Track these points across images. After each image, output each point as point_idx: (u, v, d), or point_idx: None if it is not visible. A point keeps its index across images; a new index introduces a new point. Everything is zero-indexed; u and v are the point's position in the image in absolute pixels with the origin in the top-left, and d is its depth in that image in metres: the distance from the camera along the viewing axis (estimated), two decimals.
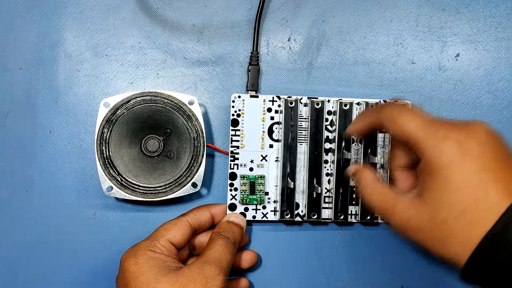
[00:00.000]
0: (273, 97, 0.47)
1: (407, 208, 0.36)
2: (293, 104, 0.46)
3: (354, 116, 0.47)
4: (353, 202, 0.47)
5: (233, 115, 0.46)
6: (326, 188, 0.47)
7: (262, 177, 0.47)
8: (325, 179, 0.47)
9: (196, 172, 0.45)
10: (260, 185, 0.47)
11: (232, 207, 0.47)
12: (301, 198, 0.47)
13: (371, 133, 0.44)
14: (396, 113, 0.37)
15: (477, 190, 0.33)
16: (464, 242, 0.33)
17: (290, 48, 0.49)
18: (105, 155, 0.45)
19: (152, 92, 0.45)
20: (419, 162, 0.36)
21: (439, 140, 0.34)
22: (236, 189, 0.47)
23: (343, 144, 0.46)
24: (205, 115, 0.49)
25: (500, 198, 0.32)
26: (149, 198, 0.45)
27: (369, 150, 0.46)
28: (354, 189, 0.44)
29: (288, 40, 0.49)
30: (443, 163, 0.34)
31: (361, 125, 0.42)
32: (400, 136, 0.36)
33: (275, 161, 0.47)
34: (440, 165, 0.34)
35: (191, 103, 0.45)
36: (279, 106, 0.47)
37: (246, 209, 0.47)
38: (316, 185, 0.46)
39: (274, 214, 0.47)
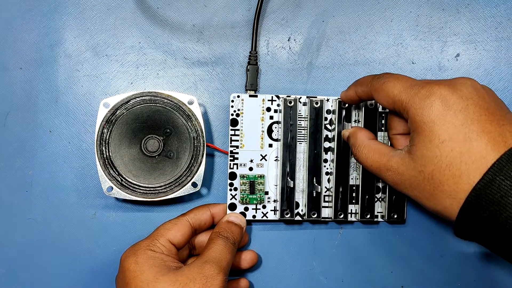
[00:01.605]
0: (272, 97, 0.47)
1: (399, 164, 0.37)
2: (292, 104, 0.46)
3: (353, 115, 0.47)
4: (353, 201, 0.47)
5: (232, 115, 0.46)
6: (325, 187, 0.47)
7: (261, 176, 0.47)
8: (324, 178, 0.47)
9: (196, 172, 0.45)
10: (260, 185, 0.47)
11: (232, 206, 0.47)
12: (301, 197, 0.47)
13: (362, 101, 0.44)
14: (382, 82, 0.38)
15: (461, 144, 0.33)
16: (451, 195, 0.33)
17: (290, 48, 0.49)
18: (105, 156, 0.45)
19: (151, 92, 0.45)
20: None
21: (422, 98, 0.35)
22: (236, 189, 0.47)
23: (342, 139, 0.46)
24: (205, 115, 0.49)
25: (485, 151, 0.33)
26: (149, 198, 0.45)
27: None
28: (351, 152, 0.44)
29: (288, 40, 0.49)
30: (426, 119, 0.34)
31: (352, 94, 0.43)
32: (387, 104, 0.38)
33: (275, 160, 0.47)
34: (423, 121, 0.35)
35: (190, 103, 0.45)
36: (278, 105, 0.47)
37: (246, 209, 0.47)
38: (316, 184, 0.46)
39: (274, 214, 0.47)
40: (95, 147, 0.44)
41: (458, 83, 0.35)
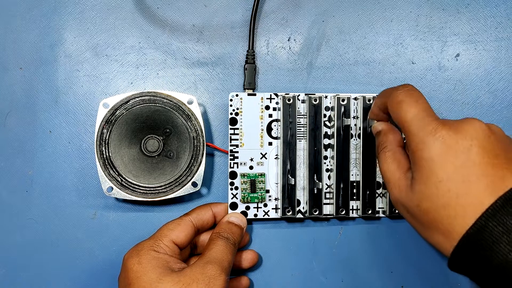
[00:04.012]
0: (270, 95, 0.47)
1: (404, 189, 0.36)
2: (291, 101, 0.46)
3: (352, 111, 0.47)
4: (354, 197, 0.47)
5: (231, 114, 0.46)
6: (326, 184, 0.47)
7: (262, 175, 0.47)
8: (325, 174, 0.47)
9: (196, 171, 0.45)
10: (260, 183, 0.47)
11: (233, 206, 0.47)
12: (302, 195, 0.47)
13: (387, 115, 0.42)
14: (400, 99, 0.37)
15: (459, 185, 0.33)
16: (445, 234, 0.33)
17: (290, 48, 0.49)
18: (105, 156, 0.45)
19: (151, 92, 0.45)
20: None
21: (426, 134, 0.34)
22: (236, 188, 0.47)
23: (342, 134, 0.46)
24: (205, 115, 0.49)
25: (483, 195, 0.32)
26: (149, 198, 0.45)
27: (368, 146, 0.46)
28: (376, 148, 0.42)
29: (288, 40, 0.49)
30: (426, 156, 0.34)
31: (375, 110, 0.42)
32: (398, 123, 0.37)
33: (275, 158, 0.47)
34: (423, 157, 0.34)
35: (190, 102, 0.45)
36: (277, 103, 0.47)
37: (248, 208, 0.47)
38: (317, 181, 0.47)
39: (276, 212, 0.47)
40: (95, 148, 0.44)
41: (465, 123, 0.34)
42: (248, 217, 0.46)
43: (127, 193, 0.45)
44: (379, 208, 0.48)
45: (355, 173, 0.47)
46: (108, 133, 0.45)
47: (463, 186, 0.33)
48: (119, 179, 0.45)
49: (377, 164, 0.41)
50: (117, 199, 0.48)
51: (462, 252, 0.33)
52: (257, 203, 0.47)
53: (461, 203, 0.33)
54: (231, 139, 0.46)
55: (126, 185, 0.45)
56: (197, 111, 0.45)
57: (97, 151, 0.44)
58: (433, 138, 0.34)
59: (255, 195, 0.47)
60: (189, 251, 0.46)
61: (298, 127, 0.47)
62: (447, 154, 0.33)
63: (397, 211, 0.40)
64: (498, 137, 0.35)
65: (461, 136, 0.34)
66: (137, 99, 0.45)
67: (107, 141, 0.45)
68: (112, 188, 0.45)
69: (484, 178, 0.33)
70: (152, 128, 0.45)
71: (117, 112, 0.45)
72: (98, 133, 0.44)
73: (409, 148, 0.36)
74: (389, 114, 0.39)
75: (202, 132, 0.45)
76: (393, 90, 0.38)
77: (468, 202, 0.32)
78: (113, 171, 0.45)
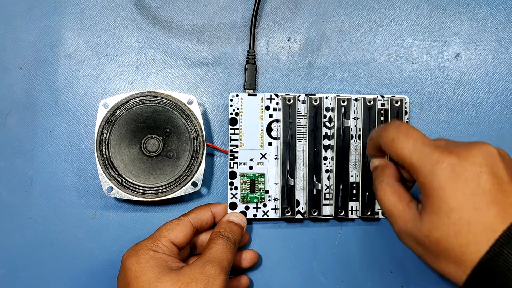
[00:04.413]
0: (271, 95, 0.47)
1: (410, 219, 0.36)
2: (291, 102, 0.46)
3: (352, 112, 0.47)
4: (353, 198, 0.47)
5: (231, 114, 0.46)
6: (326, 185, 0.47)
7: (262, 175, 0.47)
8: (324, 175, 0.47)
9: (196, 171, 0.45)
10: (260, 183, 0.47)
11: (233, 206, 0.47)
12: (301, 195, 0.47)
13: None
14: (391, 138, 0.36)
15: (470, 212, 0.32)
16: (458, 263, 0.33)
17: (290, 48, 0.49)
18: (105, 156, 0.45)
19: (151, 92, 0.45)
20: None
21: (433, 164, 0.34)
22: (236, 188, 0.47)
23: (342, 135, 0.46)
24: (205, 115, 0.49)
25: (494, 222, 0.32)
26: (149, 198, 0.45)
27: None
28: (373, 182, 0.42)
29: (288, 40, 0.49)
30: (436, 186, 0.33)
31: (370, 150, 0.42)
32: (398, 160, 0.37)
33: (275, 159, 0.47)
34: (433, 188, 0.34)
35: (190, 102, 0.45)
36: (277, 104, 0.47)
37: (247, 208, 0.47)
38: (316, 182, 0.47)
39: (275, 212, 0.47)
40: (95, 148, 0.44)
41: (473, 148, 0.34)
42: (247, 217, 0.46)
43: (127, 193, 0.45)
44: (378, 209, 0.48)
45: (355, 174, 0.47)
46: (108, 133, 0.45)
47: (474, 214, 0.32)
48: (119, 179, 0.45)
49: (376, 200, 0.40)
50: (117, 199, 0.48)
51: (476, 280, 0.32)
52: (257, 203, 0.47)
53: (473, 230, 0.32)
54: (231, 139, 0.46)
55: (126, 185, 0.45)
56: (197, 111, 0.45)
57: (97, 151, 0.44)
58: (441, 167, 0.33)
59: (255, 195, 0.47)
60: (189, 252, 0.46)
61: (298, 127, 0.47)
62: (457, 182, 0.33)
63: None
64: (507, 162, 0.34)
65: (469, 162, 0.33)
66: (137, 99, 0.45)
67: (107, 141, 0.45)
68: (112, 188, 0.45)
69: (495, 206, 0.32)
70: (152, 128, 0.45)
71: (117, 112, 0.45)
72: (98, 133, 0.44)
73: (418, 181, 0.35)
74: (380, 151, 0.40)
75: (202, 132, 0.45)
76: (382, 130, 0.38)
77: (480, 229, 0.32)
78: (113, 171, 0.45)
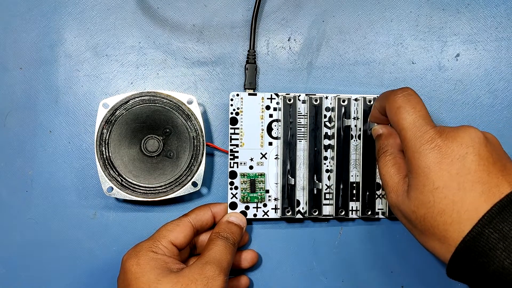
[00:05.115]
0: (271, 95, 0.47)
1: (401, 194, 0.37)
2: (292, 101, 0.46)
3: (352, 112, 0.47)
4: (354, 198, 0.47)
5: (231, 113, 0.46)
6: (326, 185, 0.47)
7: (262, 175, 0.47)
8: (325, 175, 0.47)
9: (196, 171, 0.45)
10: (260, 183, 0.47)
11: (233, 205, 0.47)
12: (301, 195, 0.47)
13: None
14: (398, 105, 0.37)
15: (454, 192, 0.33)
16: (442, 240, 0.34)
17: (290, 48, 0.49)
18: (105, 156, 0.45)
19: (150, 92, 0.45)
20: None
21: (423, 143, 0.35)
22: (236, 188, 0.47)
23: (342, 135, 0.46)
24: (205, 115, 0.49)
25: (478, 202, 0.33)
26: (149, 198, 0.45)
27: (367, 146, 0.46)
28: (376, 151, 0.42)
29: (288, 40, 0.49)
30: (422, 164, 0.34)
31: (375, 113, 0.42)
32: (395, 129, 0.38)
33: (275, 158, 0.47)
34: (419, 165, 0.35)
35: (190, 102, 0.45)
36: (277, 103, 0.47)
37: (247, 208, 0.47)
38: (317, 182, 0.47)
39: (275, 212, 0.47)
40: (95, 148, 0.44)
41: (461, 131, 0.35)
42: (247, 217, 0.46)
43: (127, 193, 0.45)
44: (378, 209, 0.48)
45: (355, 174, 0.47)
46: (108, 133, 0.45)
47: (459, 193, 0.33)
48: (119, 179, 0.45)
49: (377, 167, 0.41)
50: (117, 199, 0.48)
51: (459, 259, 0.33)
52: (257, 203, 0.47)
53: (457, 209, 0.33)
54: (231, 139, 0.46)
55: (126, 185, 0.45)
56: (196, 110, 0.45)
57: (97, 152, 0.44)
58: (429, 147, 0.34)
59: (255, 195, 0.47)
60: (189, 252, 0.46)
61: (298, 127, 0.47)
62: (443, 162, 0.34)
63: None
64: (493, 145, 0.35)
65: (456, 144, 0.34)
66: (136, 99, 0.45)
67: (107, 141, 0.45)
68: (112, 188, 0.45)
69: (480, 185, 0.33)
70: (152, 128, 0.45)
71: (117, 112, 0.45)
72: (98, 133, 0.44)
73: (406, 155, 0.36)
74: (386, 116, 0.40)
75: (202, 131, 0.45)
76: (392, 93, 0.38)
77: (464, 209, 0.33)
78: (113, 171, 0.45)
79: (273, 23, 0.49)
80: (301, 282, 0.49)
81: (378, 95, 0.42)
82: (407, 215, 0.36)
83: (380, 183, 0.47)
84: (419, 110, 0.36)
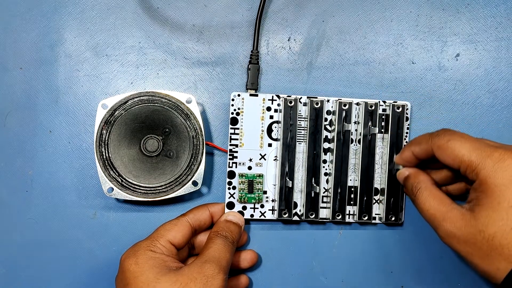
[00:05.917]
0: (272, 96, 0.47)
1: (458, 218, 0.37)
2: (293, 104, 0.46)
3: (353, 117, 0.47)
4: (351, 202, 0.47)
5: (232, 113, 0.46)
6: (324, 188, 0.47)
7: (260, 175, 0.47)
8: (323, 178, 0.47)
9: (196, 170, 0.45)
10: (258, 184, 0.47)
11: (230, 205, 0.47)
12: (299, 197, 0.47)
13: (419, 161, 0.44)
14: (446, 140, 0.38)
15: None
16: (508, 259, 0.34)
17: (290, 48, 0.49)
18: (104, 157, 0.45)
19: (149, 92, 0.45)
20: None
21: (496, 161, 0.35)
22: (234, 188, 0.47)
23: (342, 139, 0.46)
24: (205, 115, 0.49)
25: None
26: (149, 198, 0.45)
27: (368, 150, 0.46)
28: (405, 192, 0.44)
29: (288, 40, 0.49)
30: (498, 183, 0.35)
31: (408, 157, 0.43)
32: (453, 163, 0.38)
33: (274, 160, 0.47)
34: (495, 185, 0.35)
35: (188, 101, 0.45)
36: (278, 105, 0.47)
37: (244, 208, 0.47)
38: (315, 185, 0.46)
39: (272, 213, 0.47)
40: (95, 149, 0.44)
41: None
42: (244, 218, 0.46)
43: (127, 193, 0.45)
44: (375, 214, 0.48)
45: (353, 178, 0.47)
46: (108, 134, 0.45)
47: None
48: (119, 180, 0.45)
49: (416, 207, 0.41)
50: (117, 199, 0.48)
51: None
52: (254, 203, 0.47)
53: None
54: (231, 139, 0.46)
55: (127, 185, 0.45)
56: (196, 110, 0.45)
57: (96, 152, 0.44)
58: (504, 164, 0.35)
59: (253, 195, 0.47)
60: (187, 252, 0.46)
61: (298, 129, 0.47)
62: None
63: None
64: None
65: None
66: (135, 99, 0.45)
67: (106, 142, 0.45)
68: (113, 189, 0.45)
69: None
70: (151, 128, 0.45)
71: (116, 113, 0.45)
72: (97, 134, 0.44)
73: (477, 177, 0.36)
74: (420, 160, 0.41)
75: (201, 131, 0.45)
76: (432, 134, 0.40)
77: None
78: (113, 172, 0.45)
79: (273, 23, 0.49)
80: (301, 282, 0.49)
81: (409, 141, 0.43)
82: (470, 238, 0.36)
83: (379, 188, 0.47)
84: (469, 136, 0.38)
